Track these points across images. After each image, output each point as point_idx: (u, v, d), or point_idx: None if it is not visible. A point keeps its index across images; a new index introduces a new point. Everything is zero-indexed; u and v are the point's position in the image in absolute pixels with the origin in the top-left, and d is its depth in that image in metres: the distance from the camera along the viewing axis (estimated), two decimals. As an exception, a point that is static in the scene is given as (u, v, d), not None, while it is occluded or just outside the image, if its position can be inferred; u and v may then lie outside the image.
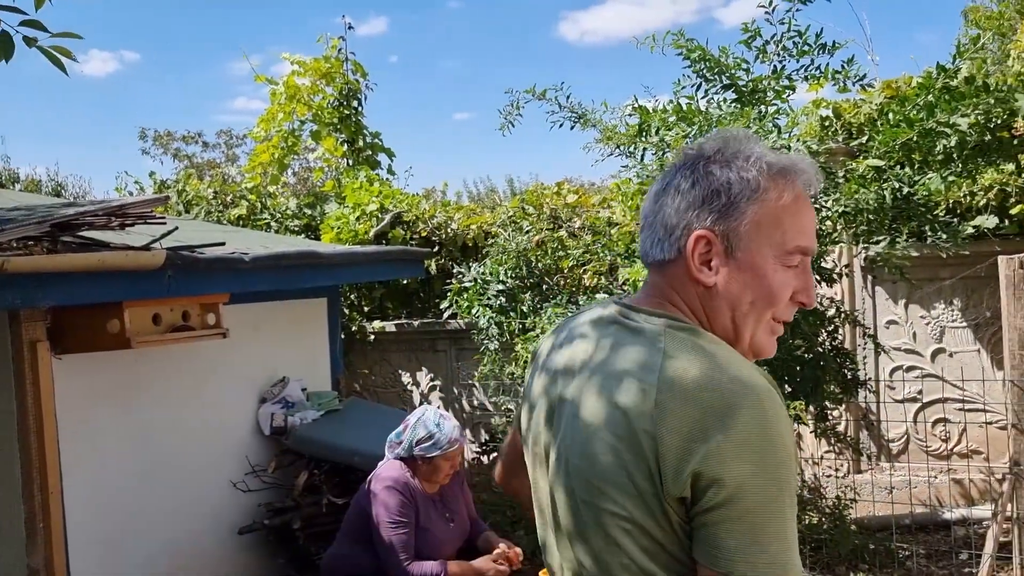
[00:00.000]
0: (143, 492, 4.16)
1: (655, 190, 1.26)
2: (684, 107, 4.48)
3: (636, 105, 4.60)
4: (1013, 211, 4.99)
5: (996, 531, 3.77)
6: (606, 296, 1.89)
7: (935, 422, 5.44)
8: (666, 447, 1.07)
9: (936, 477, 5.29)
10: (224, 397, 4.75)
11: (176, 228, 3.82)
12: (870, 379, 5.31)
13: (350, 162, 7.93)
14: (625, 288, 4.76)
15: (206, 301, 3.98)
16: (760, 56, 4.48)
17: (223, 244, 3.99)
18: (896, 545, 4.47)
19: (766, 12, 4.39)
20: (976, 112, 4.34)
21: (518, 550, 3.51)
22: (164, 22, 41.86)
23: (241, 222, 7.29)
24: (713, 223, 1.18)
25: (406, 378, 6.70)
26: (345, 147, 7.92)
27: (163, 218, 4.29)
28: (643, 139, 4.52)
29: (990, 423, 5.22)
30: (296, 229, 7.26)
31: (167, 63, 41.24)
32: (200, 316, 3.99)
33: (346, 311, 6.65)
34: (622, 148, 4.64)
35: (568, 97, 4.73)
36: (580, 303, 4.87)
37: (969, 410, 5.30)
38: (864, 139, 4.92)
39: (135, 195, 8.04)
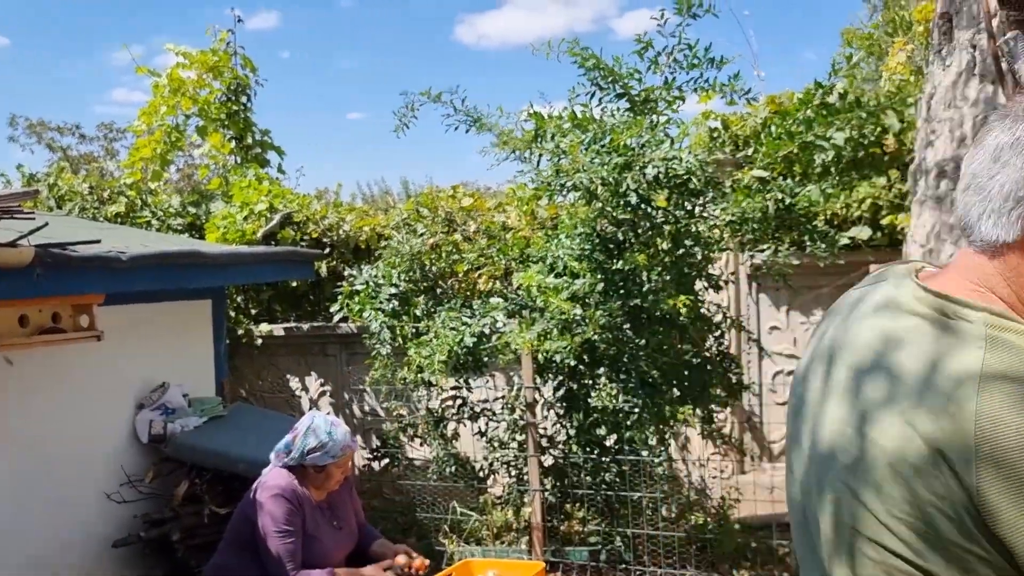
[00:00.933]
0: (8, 505, 3.89)
1: (996, 142, 0.91)
2: (579, 114, 4.55)
3: (532, 111, 4.63)
4: (883, 222, 5.28)
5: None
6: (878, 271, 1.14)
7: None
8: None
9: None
10: (98, 404, 4.49)
11: (46, 224, 3.58)
12: (754, 383, 5.52)
13: (238, 160, 7.68)
14: (519, 293, 4.78)
15: (79, 302, 3.76)
16: (652, 67, 4.59)
17: (99, 242, 3.77)
18: (777, 543, 4.65)
19: (658, 25, 4.51)
20: (850, 127, 4.57)
21: (423, 560, 3.46)
22: (38, 6, 39.61)
23: (119, 219, 6.94)
24: None
25: (295, 383, 6.52)
26: (233, 144, 7.67)
27: (32, 214, 4.03)
28: (539, 145, 4.56)
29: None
30: (179, 228, 6.97)
31: (41, 49, 39.02)
32: (72, 318, 3.77)
33: (232, 314, 6.42)
34: (518, 153, 4.66)
35: (464, 100, 4.72)
36: (474, 307, 4.85)
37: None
38: (749, 151, 5.11)
39: (0, 188, 7.54)
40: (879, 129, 5.10)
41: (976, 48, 3.43)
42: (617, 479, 4.57)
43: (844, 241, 5.11)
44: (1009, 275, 0.89)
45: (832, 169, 4.84)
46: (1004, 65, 2.69)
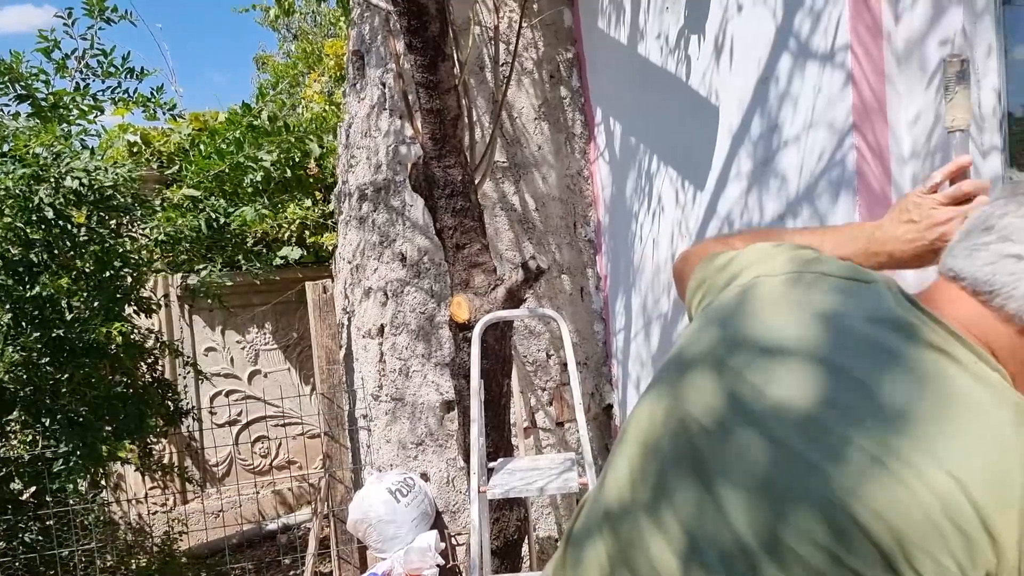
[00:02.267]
0: None
1: None
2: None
3: None
4: (309, 241, 5.60)
5: (316, 530, 4.15)
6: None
7: (256, 440, 5.75)
8: None
9: (260, 492, 5.58)
10: None
11: None
12: (193, 407, 5.33)
13: None
14: None
15: None
16: (60, 70, 4.12)
17: None
18: (229, 567, 4.57)
19: (65, 24, 4.06)
20: (279, 150, 4.73)
21: None
22: None
23: None
24: None
25: None
26: None
27: None
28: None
29: (304, 434, 5.76)
30: None
31: None
32: None
33: None
34: None
35: None
36: None
37: (286, 424, 5.76)
38: (177, 168, 4.93)
39: None
40: (302, 153, 5.39)
41: (386, 85, 3.86)
42: (40, 537, 3.98)
43: (277, 260, 5.28)
44: (1021, 355, 0.85)
45: (262, 189, 4.95)
46: (411, 99, 3.05)
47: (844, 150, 2.46)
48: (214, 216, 4.29)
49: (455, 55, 3.24)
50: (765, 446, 0.83)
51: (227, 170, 4.44)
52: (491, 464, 2.73)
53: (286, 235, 5.57)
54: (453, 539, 3.69)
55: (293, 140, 4.50)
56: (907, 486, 0.75)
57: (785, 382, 0.85)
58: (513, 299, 2.76)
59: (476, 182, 2.97)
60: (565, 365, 3.88)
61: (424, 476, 3.72)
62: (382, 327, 3.81)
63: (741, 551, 0.81)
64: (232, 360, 5.72)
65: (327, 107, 5.90)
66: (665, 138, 3.35)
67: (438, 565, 3.32)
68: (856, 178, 2.42)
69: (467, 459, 2.81)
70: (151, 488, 5.37)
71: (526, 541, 3.30)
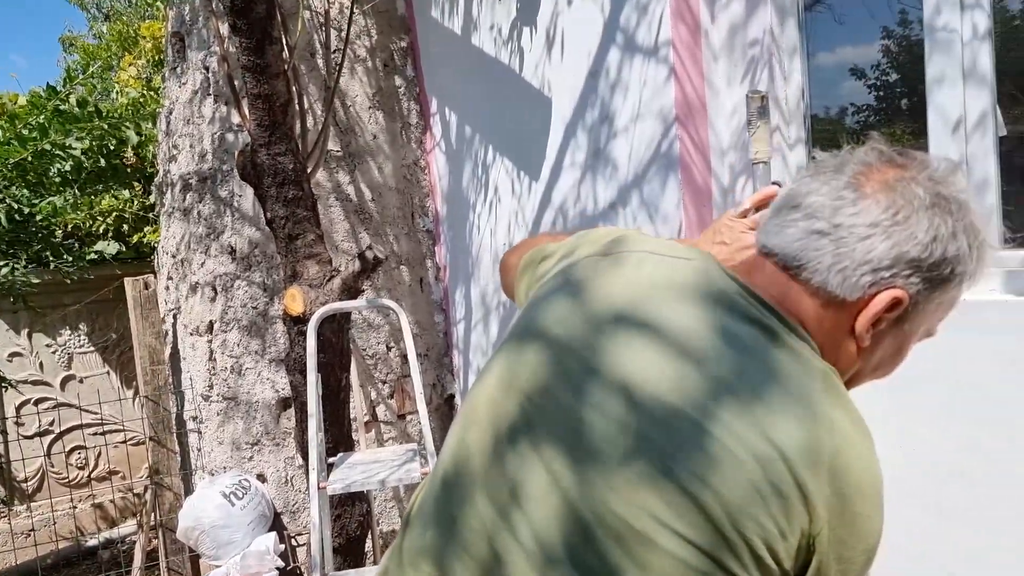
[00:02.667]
0: None
1: (881, 209, 0.87)
2: None
3: None
4: (132, 239, 5.24)
5: (143, 542, 3.90)
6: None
7: (71, 451, 5.32)
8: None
9: (77, 507, 5.17)
10: None
11: None
12: (-3, 418, 4.86)
13: None
14: None
15: None
16: None
17: None
18: (42, 589, 4.20)
19: None
20: (90, 137, 4.39)
21: None
22: None
23: None
24: (916, 291, 0.88)
25: None
26: None
27: None
28: None
29: (127, 441, 5.38)
30: None
31: None
32: None
33: None
34: None
35: None
36: None
37: (106, 432, 5.36)
38: (-30, 155, 4.46)
39: None
40: (118, 141, 5.02)
41: (209, 69, 3.67)
42: None
43: (91, 256, 4.90)
44: (827, 325, 0.90)
45: (72, 179, 4.58)
46: (238, 85, 2.92)
47: (669, 140, 2.58)
48: (15, 208, 3.92)
49: (284, 39, 3.13)
50: (596, 419, 0.86)
51: (30, 158, 4.06)
52: (331, 460, 2.67)
53: (101, 229, 5.18)
54: (293, 539, 3.58)
55: (107, 127, 4.18)
56: (732, 454, 0.79)
57: (615, 357, 0.88)
58: (350, 290, 2.71)
59: (309, 171, 2.88)
60: (405, 357, 3.85)
61: (260, 477, 3.58)
62: (211, 324, 3.63)
63: (576, 524, 0.83)
64: (41, 365, 5.26)
65: (145, 92, 5.53)
66: (500, 129, 3.39)
67: (277, 568, 3.20)
68: (680, 168, 2.54)
69: (305, 456, 2.73)
70: (-52, 510, 4.86)
71: (369, 536, 3.25)
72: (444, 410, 3.99)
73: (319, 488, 2.30)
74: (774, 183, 1.26)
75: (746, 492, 0.78)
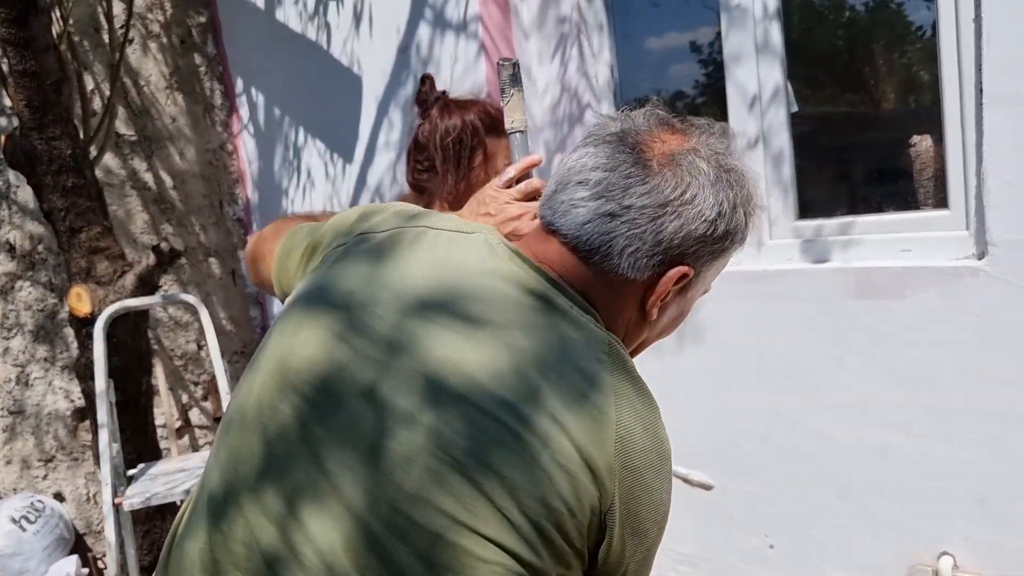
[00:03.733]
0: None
1: (675, 187, 0.85)
2: None
3: None
4: None
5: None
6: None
7: None
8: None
9: None
10: None
11: None
12: None
13: None
14: None
15: None
16: None
17: None
18: None
19: None
20: None
21: None
22: None
23: None
24: (703, 263, 0.89)
25: None
26: None
27: None
28: None
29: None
30: None
31: None
32: None
33: None
34: None
35: None
36: None
37: None
38: None
39: None
40: None
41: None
42: None
43: None
44: (613, 300, 0.88)
45: None
46: (11, 63, 2.58)
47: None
48: None
49: (58, 11, 2.82)
50: (374, 414, 0.79)
51: None
52: (131, 472, 2.44)
53: None
54: (100, 561, 3.27)
55: None
56: (517, 436, 0.76)
57: (399, 342, 0.82)
58: (145, 286, 2.48)
59: (92, 157, 2.61)
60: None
61: (58, 496, 3.25)
62: (-10, 330, 3.24)
63: (366, 538, 0.75)
64: None
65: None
66: (311, 109, 3.22)
67: (80, 594, 2.92)
68: (494, 146, 2.49)
69: (104, 470, 2.48)
70: None
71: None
72: (266, 408, 3.78)
73: (114, 504, 2.09)
74: (513, 131, 1.25)
75: (532, 474, 0.75)
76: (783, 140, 2.09)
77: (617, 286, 0.87)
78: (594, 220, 0.85)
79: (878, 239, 1.96)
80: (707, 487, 1.78)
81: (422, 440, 0.76)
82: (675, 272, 0.86)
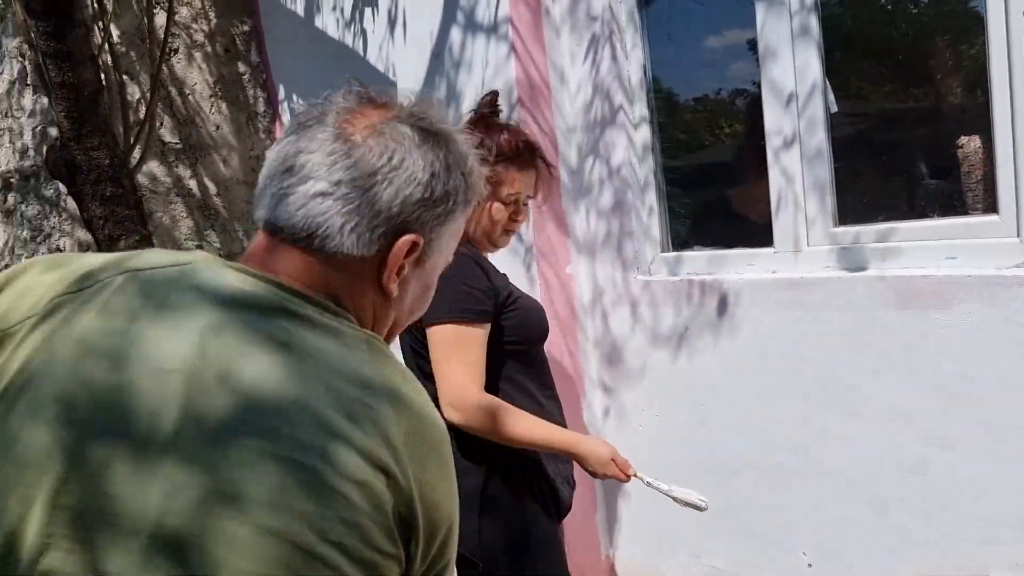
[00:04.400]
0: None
1: (373, 159, 0.83)
2: None
3: None
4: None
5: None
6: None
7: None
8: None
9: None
10: None
11: None
12: None
13: None
14: None
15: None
16: None
17: None
18: None
19: None
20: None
21: None
22: None
23: None
24: (430, 229, 0.88)
25: None
26: None
27: None
28: None
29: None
30: None
31: None
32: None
33: None
34: None
35: None
36: None
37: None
38: None
39: None
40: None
41: (26, 58, 3.36)
42: None
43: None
44: (353, 288, 0.86)
45: None
46: (51, 75, 2.66)
47: (513, 121, 2.48)
48: None
49: (101, 22, 2.88)
50: (117, 483, 0.70)
51: None
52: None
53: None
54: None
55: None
56: (294, 463, 0.70)
57: (130, 393, 0.72)
58: (181, 293, 2.51)
59: (132, 166, 2.66)
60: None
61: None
62: (43, 334, 3.34)
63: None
64: None
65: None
66: (349, 115, 3.23)
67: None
68: (524, 151, 2.45)
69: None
70: None
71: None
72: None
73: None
74: None
75: (324, 499, 0.70)
76: (821, 139, 2.00)
77: (351, 269, 0.84)
78: (307, 204, 0.82)
79: (921, 246, 1.86)
80: (699, 508, 1.71)
81: (178, 506, 0.69)
82: (403, 242, 0.84)
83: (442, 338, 1.61)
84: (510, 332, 1.70)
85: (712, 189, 2.58)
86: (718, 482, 2.20)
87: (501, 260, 2.56)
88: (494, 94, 1.88)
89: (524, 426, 1.63)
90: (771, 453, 2.10)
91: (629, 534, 2.58)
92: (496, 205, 1.75)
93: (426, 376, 1.65)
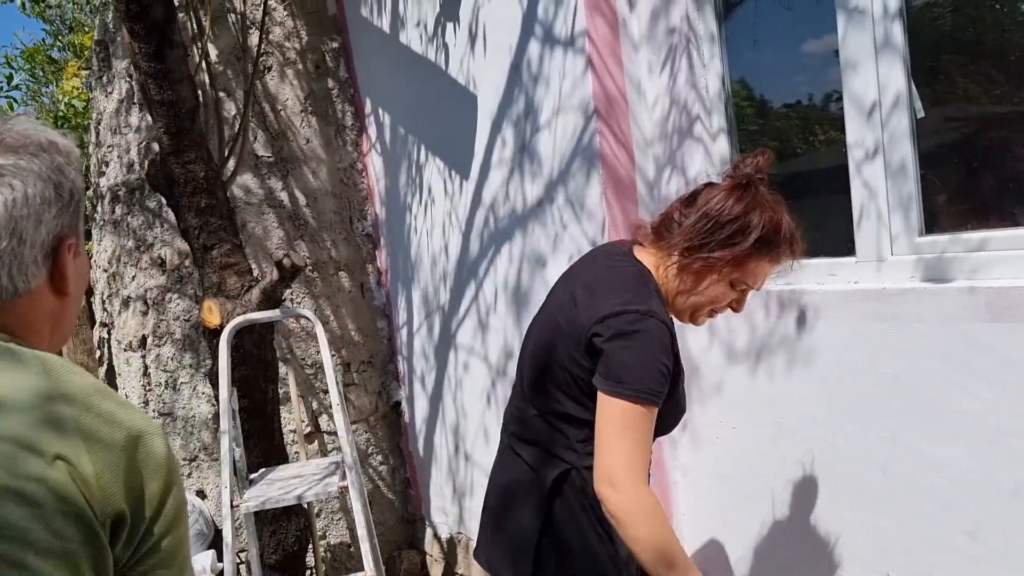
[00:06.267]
0: None
1: (10, 193, 0.86)
2: None
3: None
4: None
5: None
6: None
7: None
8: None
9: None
10: None
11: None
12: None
13: None
14: None
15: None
16: None
17: None
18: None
19: None
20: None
21: None
22: None
23: None
24: (75, 223, 0.94)
25: None
26: None
27: None
28: None
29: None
30: None
31: None
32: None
33: None
34: None
35: None
36: None
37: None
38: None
39: None
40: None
41: (132, 77, 3.56)
42: None
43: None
44: (28, 315, 0.90)
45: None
46: (151, 94, 2.81)
47: (590, 134, 2.50)
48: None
49: (199, 42, 3.03)
50: None
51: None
52: (252, 476, 2.58)
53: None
54: (238, 556, 3.48)
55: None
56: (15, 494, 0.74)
57: None
58: (269, 300, 2.61)
59: (226, 178, 2.78)
60: (348, 366, 3.76)
61: (200, 494, 3.48)
62: (144, 338, 3.52)
63: None
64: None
65: (87, 102, 5.40)
66: (431, 128, 3.31)
67: (216, 587, 3.11)
68: (601, 162, 2.47)
69: (236, 472, 2.64)
70: None
71: (311, 550, 3.16)
72: (391, 417, 3.90)
73: (232, 507, 2.21)
74: None
75: (42, 521, 0.74)
76: (906, 150, 1.94)
77: (30, 297, 0.88)
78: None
79: (1014, 255, 1.78)
80: None
81: None
82: (64, 249, 0.90)
83: (623, 413, 1.45)
84: (659, 417, 1.51)
85: (803, 199, 2.53)
86: (797, 502, 2.15)
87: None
88: (765, 155, 1.61)
89: (665, 541, 1.45)
90: (856, 470, 2.04)
91: None
92: (724, 286, 1.56)
93: (559, 416, 1.57)
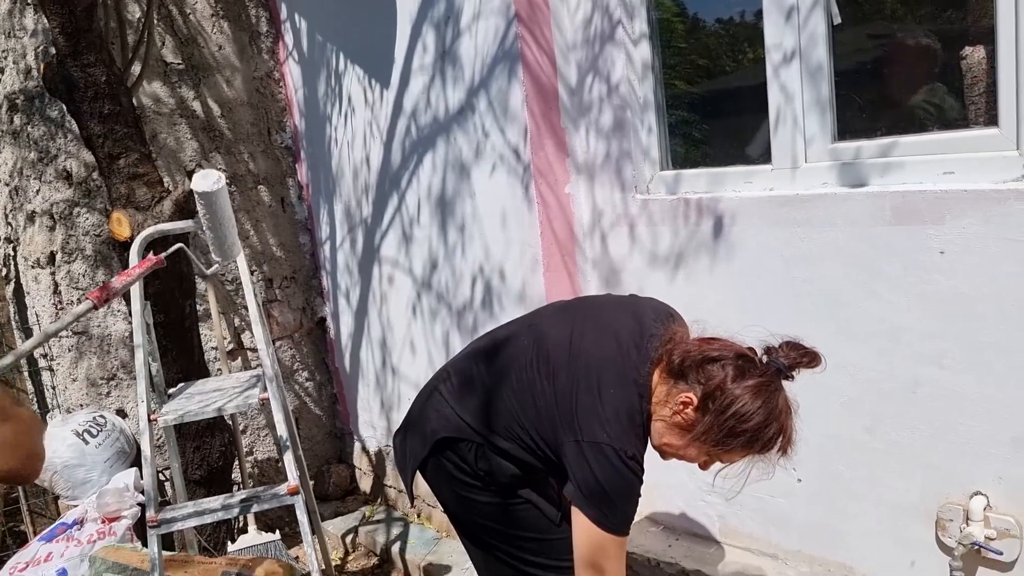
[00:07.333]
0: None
1: None
2: None
3: None
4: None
5: (0, 489, 3.72)
6: None
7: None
8: None
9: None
10: None
11: None
12: None
13: None
14: None
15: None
16: None
17: None
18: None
19: None
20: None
21: None
22: None
23: None
24: None
25: None
26: None
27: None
28: None
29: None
30: None
31: None
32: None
33: None
34: None
35: None
36: None
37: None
38: None
39: None
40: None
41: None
42: None
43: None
44: None
45: None
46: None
47: (511, 38, 2.44)
48: None
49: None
50: None
51: None
52: (171, 390, 2.53)
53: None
54: (162, 474, 3.45)
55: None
56: None
57: None
58: (183, 212, 2.52)
59: (131, 84, 2.64)
60: (270, 281, 3.69)
61: (120, 412, 3.42)
62: (53, 255, 3.38)
63: None
64: None
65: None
66: (349, 34, 3.18)
67: (139, 504, 3.08)
68: (522, 67, 2.41)
69: (154, 388, 2.58)
70: None
71: (237, 465, 3.15)
72: (317, 333, 3.86)
73: (149, 420, 2.17)
74: None
75: None
76: (821, 54, 1.95)
77: None
78: None
79: (920, 161, 1.83)
80: None
81: None
82: None
83: (601, 541, 1.47)
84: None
85: (726, 113, 2.52)
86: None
87: (500, 182, 2.55)
88: (808, 356, 1.51)
89: None
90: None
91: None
92: (704, 454, 1.52)
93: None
